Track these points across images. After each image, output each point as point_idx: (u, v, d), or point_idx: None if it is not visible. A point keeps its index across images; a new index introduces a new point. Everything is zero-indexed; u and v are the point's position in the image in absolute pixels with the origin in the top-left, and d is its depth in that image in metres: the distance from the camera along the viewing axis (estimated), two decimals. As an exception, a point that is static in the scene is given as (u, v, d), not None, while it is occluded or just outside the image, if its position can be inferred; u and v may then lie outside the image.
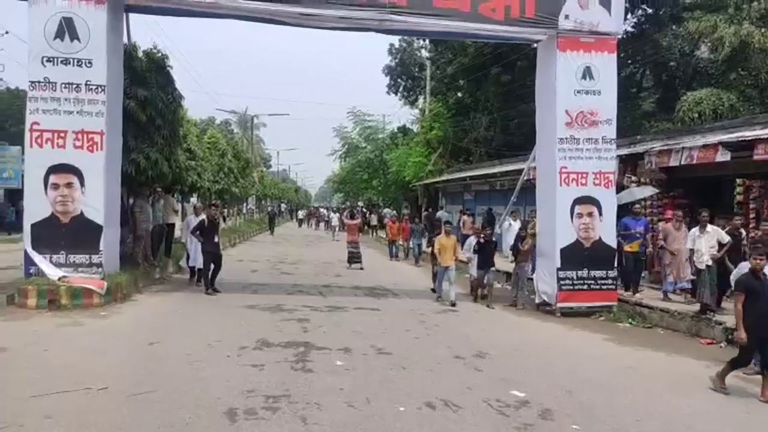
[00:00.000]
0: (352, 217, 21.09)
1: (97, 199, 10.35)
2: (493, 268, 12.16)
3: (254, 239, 31.32)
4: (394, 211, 33.85)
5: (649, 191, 13.29)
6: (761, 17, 21.02)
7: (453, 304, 11.42)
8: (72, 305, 9.51)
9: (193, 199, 22.48)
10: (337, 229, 34.92)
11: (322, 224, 46.50)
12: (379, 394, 5.90)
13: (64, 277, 9.87)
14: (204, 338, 7.88)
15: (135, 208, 13.01)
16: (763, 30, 20.01)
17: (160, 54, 12.87)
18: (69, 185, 10.22)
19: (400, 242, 21.87)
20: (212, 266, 11.94)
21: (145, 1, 11.29)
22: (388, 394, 5.92)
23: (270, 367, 6.64)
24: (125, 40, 11.97)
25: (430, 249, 14.40)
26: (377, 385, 6.17)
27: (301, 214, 57.82)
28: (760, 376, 7.15)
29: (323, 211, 56.47)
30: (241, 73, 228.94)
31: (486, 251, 12.14)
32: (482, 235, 12.42)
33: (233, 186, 26.30)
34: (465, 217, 20.33)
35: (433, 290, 12.70)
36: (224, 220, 30.65)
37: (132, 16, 12.04)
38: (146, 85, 12.19)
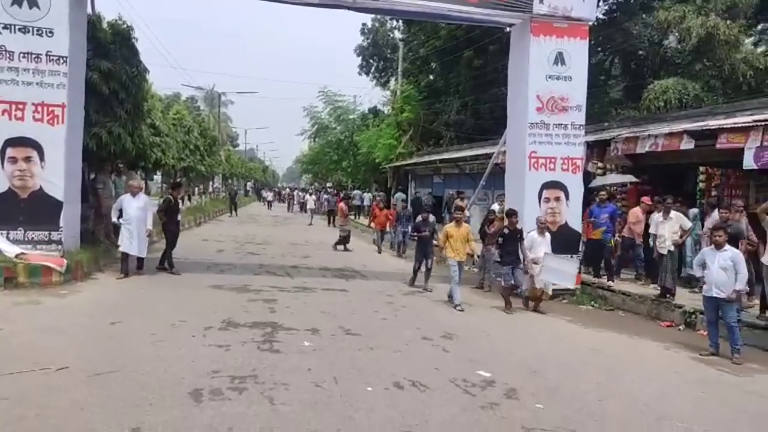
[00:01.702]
0: (346, 204, 21.02)
1: (57, 174, 10.03)
2: (521, 266, 10.04)
3: (220, 219, 30.87)
4: (379, 194, 30.27)
5: (626, 179, 13.40)
6: (727, 9, 21.47)
7: (459, 308, 9.67)
8: (30, 283, 9.23)
9: (157, 177, 21.99)
10: (312, 212, 32.06)
11: (296, 206, 43.77)
12: (347, 374, 5.89)
13: (22, 254, 9.56)
14: (168, 318, 7.74)
15: (97, 184, 12.67)
16: (728, 22, 20.45)
17: (125, 25, 12.43)
18: (28, 159, 9.89)
19: (388, 230, 18.65)
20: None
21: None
22: (356, 374, 5.92)
23: (236, 348, 6.55)
24: (89, 10, 11.52)
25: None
26: (345, 366, 6.16)
27: (270, 195, 52.23)
28: (716, 357, 7.43)
29: (299, 192, 51.98)
30: (210, 49, 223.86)
31: (511, 243, 10.07)
32: (506, 223, 10.38)
33: (199, 164, 25.82)
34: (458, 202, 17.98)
35: (450, 297, 10.16)
36: (189, 199, 30.14)
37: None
38: (110, 57, 11.78)
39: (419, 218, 12.44)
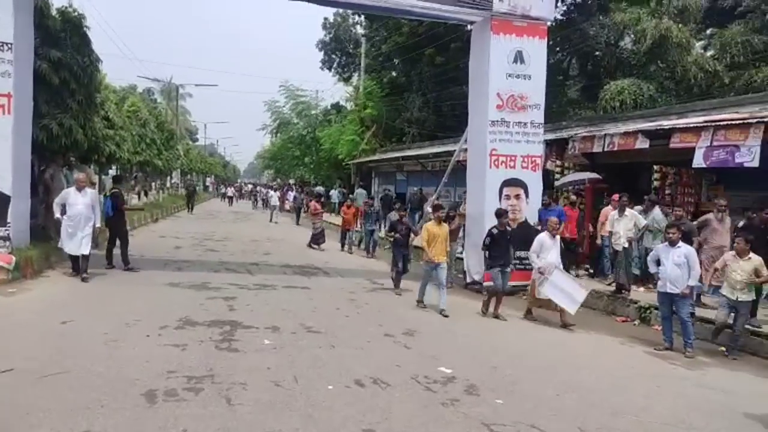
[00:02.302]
0: (318, 202, 20.82)
1: (4, 167, 9.63)
2: (509, 268, 9.64)
3: (178, 215, 30.15)
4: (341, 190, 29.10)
5: (588, 176, 13.56)
6: (679, 13, 22.18)
7: (444, 314, 9.15)
8: (-25, 281, 8.81)
9: (112, 171, 21.32)
10: (276, 209, 29.89)
11: (259, 202, 42.08)
12: (307, 372, 5.81)
13: (-34, 251, 9.11)
14: (122, 317, 7.48)
15: (48, 177, 12.15)
16: (680, 26, 21.12)
17: (76, 13, 11.99)
18: (-29, 152, 9.41)
19: (357, 229, 18.13)
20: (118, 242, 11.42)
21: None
22: (316, 372, 5.84)
23: (193, 347, 6.39)
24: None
25: (389, 238, 11.97)
26: (305, 364, 6.08)
27: (230, 191, 49.79)
28: (670, 352, 7.65)
29: (262, 189, 50.34)
30: (168, 41, 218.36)
31: (502, 243, 9.51)
32: (499, 223, 9.67)
33: (156, 158, 25.16)
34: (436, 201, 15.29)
35: (421, 302, 9.80)
36: (145, 194, 29.38)
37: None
38: (60, 45, 11.35)
39: (393, 216, 12.10)
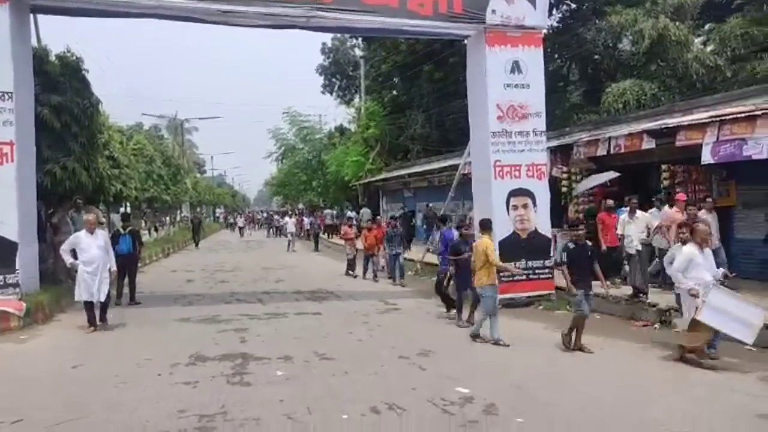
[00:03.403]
0: (350, 226, 18.56)
1: (9, 214, 9.63)
2: (592, 292, 8.02)
3: (189, 248, 30.24)
4: (367, 212, 25.74)
5: (612, 175, 12.93)
6: (675, 10, 22.09)
7: (503, 342, 8.02)
8: (-13, 330, 8.79)
9: (122, 209, 21.44)
10: (293, 237, 27.94)
11: (271, 230, 41.15)
12: (320, 402, 5.68)
13: (-24, 300, 9.09)
14: (133, 357, 7.41)
15: (56, 221, 12.21)
16: (677, 23, 21.02)
17: (74, 57, 12.13)
18: (-24, 201, 9.46)
19: (380, 253, 15.88)
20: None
21: (52, 0, 10.57)
22: (330, 401, 5.71)
23: (204, 383, 6.29)
24: (34, 42, 11.20)
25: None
26: (319, 393, 5.95)
27: (240, 221, 47.36)
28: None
29: (276, 216, 47.97)
30: (170, 76, 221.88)
31: (582, 260, 7.86)
32: (574, 236, 8.12)
33: (164, 193, 25.31)
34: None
35: (475, 335, 8.46)
36: (156, 230, 29.54)
37: (41, 17, 11.30)
38: (60, 90, 11.47)
39: (454, 235, 10.46)
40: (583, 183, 13.69)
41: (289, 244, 27.07)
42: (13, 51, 9.68)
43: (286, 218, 34.14)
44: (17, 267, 9.64)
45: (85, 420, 5.25)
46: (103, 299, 9.26)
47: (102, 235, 9.64)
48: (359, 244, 16.88)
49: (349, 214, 30.74)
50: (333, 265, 18.74)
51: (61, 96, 11.38)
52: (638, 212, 10.38)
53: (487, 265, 8.34)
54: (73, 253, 9.31)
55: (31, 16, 10.84)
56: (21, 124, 9.82)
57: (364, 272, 15.85)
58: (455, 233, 10.62)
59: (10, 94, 9.56)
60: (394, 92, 33.68)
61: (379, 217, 19.90)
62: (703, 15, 24.68)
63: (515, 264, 10.41)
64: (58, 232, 11.98)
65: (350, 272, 16.44)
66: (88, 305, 9.13)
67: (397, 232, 15.14)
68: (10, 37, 9.62)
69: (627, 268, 11.05)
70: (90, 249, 9.19)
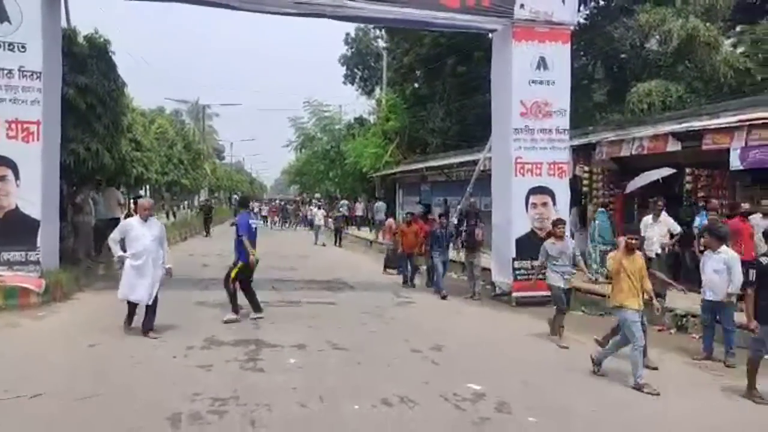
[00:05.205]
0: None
1: (33, 192, 9.75)
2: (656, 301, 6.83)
3: (201, 236, 30.36)
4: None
5: (665, 172, 12.04)
6: (706, 11, 21.64)
7: (642, 389, 6.10)
8: (7, 305, 8.93)
9: (141, 192, 21.68)
10: (321, 230, 25.19)
11: (298, 224, 36.33)
12: (333, 392, 5.70)
13: (-2, 275, 9.23)
14: (148, 338, 7.49)
15: (78, 201, 12.39)
16: (707, 24, 20.60)
17: (102, 39, 12.25)
18: (2, 178, 9.62)
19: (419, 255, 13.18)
20: None
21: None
22: (342, 391, 5.73)
23: (218, 368, 6.35)
24: (64, 23, 11.31)
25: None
26: (331, 383, 5.97)
27: (264, 209, 42.02)
28: (710, 362, 7.29)
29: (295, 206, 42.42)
30: (194, 60, 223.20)
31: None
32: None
33: (183, 178, 25.52)
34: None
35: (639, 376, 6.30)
36: (174, 214, 29.82)
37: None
38: (87, 71, 11.60)
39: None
40: (635, 180, 12.99)
41: (316, 237, 24.82)
42: (44, 31, 9.78)
43: (314, 209, 29.83)
44: (38, 245, 9.78)
45: (99, 398, 5.32)
46: (150, 302, 7.71)
47: (157, 225, 8.04)
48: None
49: (343, 201, 29.97)
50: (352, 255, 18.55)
51: (88, 77, 11.51)
52: (662, 215, 10.20)
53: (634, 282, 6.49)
54: (122, 244, 7.87)
55: (62, -4, 10.93)
56: (48, 104, 9.94)
57: (411, 279, 13.22)
58: None
59: (38, 74, 9.66)
60: (416, 85, 33.49)
61: (430, 214, 17.65)
62: (735, 16, 24.14)
63: (530, 262, 10.37)
64: (80, 212, 12.16)
65: (388, 270, 14.93)
66: (131, 303, 7.87)
67: (446, 234, 12.38)
68: (41, 17, 9.71)
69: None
70: (141, 239, 7.68)
